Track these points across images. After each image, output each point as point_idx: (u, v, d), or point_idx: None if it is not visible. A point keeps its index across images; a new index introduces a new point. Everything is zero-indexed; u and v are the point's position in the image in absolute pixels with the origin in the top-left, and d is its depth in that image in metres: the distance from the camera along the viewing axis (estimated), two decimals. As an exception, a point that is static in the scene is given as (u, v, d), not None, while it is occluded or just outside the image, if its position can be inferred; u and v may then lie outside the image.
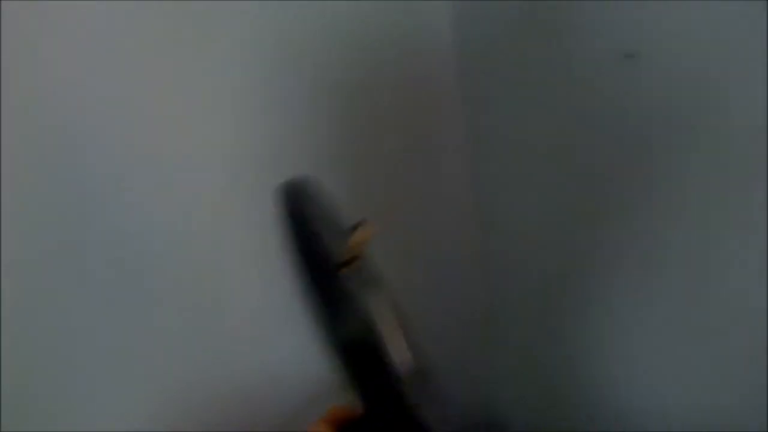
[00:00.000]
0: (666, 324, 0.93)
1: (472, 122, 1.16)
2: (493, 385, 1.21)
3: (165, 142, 0.99)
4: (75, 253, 0.95)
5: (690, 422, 0.92)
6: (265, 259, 1.05)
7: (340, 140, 1.07)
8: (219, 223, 1.01)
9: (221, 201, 1.02)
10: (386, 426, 0.65)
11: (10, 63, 0.86)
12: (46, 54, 0.90)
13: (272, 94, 1.03)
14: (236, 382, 1.06)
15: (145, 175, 0.98)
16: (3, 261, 0.89)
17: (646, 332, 0.97)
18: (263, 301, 1.07)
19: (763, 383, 0.81)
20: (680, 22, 0.83)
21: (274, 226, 0.69)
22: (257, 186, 0.98)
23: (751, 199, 0.80)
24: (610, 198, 0.97)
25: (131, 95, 0.95)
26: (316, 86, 1.04)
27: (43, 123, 0.90)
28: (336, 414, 0.69)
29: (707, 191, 0.85)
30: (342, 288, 0.66)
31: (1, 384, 0.89)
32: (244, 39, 1.00)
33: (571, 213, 1.03)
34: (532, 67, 1.03)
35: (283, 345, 1.08)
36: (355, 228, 0.69)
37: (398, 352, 0.66)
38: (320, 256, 0.67)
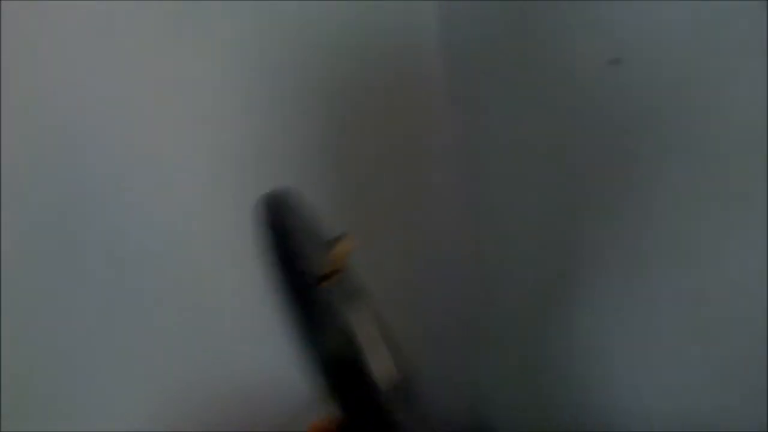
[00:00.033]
0: (660, 326, 0.93)
1: (461, 123, 1.15)
2: (482, 387, 1.20)
3: (165, 143, 0.99)
4: (75, 253, 0.95)
5: (687, 424, 0.91)
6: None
7: (329, 142, 1.07)
8: (219, 223, 1.01)
9: (222, 201, 1.01)
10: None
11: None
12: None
13: (259, 94, 1.02)
14: (236, 382, 1.06)
15: (145, 175, 0.98)
16: (3, 261, 0.89)
17: (639, 334, 0.96)
18: (264, 301, 1.06)
19: (763, 384, 0.81)
20: (665, 27, 0.83)
21: (255, 238, 0.68)
22: (256, 186, 1.00)
23: (746, 200, 0.80)
24: (599, 200, 0.96)
25: (129, 96, 0.95)
26: (305, 87, 1.04)
27: (42, 123, 0.90)
28: (317, 429, 0.69)
29: (697, 193, 0.85)
30: (322, 301, 0.66)
31: (1, 384, 0.90)
32: (230, 40, 0.99)
33: (559, 214, 1.02)
34: (520, 69, 1.02)
35: (284, 345, 1.07)
36: (336, 240, 0.69)
37: (379, 365, 0.66)
38: (300, 269, 0.66)
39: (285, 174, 1.02)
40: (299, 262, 0.66)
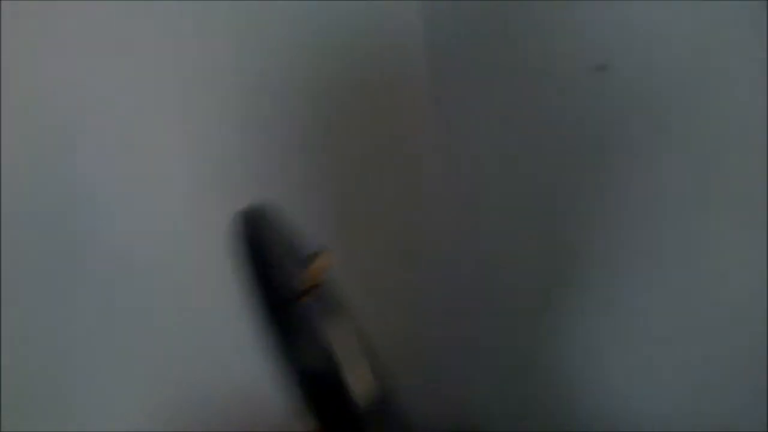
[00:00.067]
0: (651, 326, 0.92)
1: (445, 124, 1.14)
2: (471, 389, 1.20)
3: (166, 142, 0.99)
4: (75, 253, 0.96)
5: (680, 425, 0.91)
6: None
7: (313, 142, 1.06)
8: (219, 222, 1.00)
9: (222, 200, 1.01)
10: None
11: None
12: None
13: (243, 94, 1.02)
14: (236, 383, 1.06)
15: (144, 175, 0.98)
16: (3, 262, 0.89)
17: (630, 334, 0.96)
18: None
19: (763, 384, 0.81)
20: (654, 33, 0.82)
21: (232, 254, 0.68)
22: (244, 185, 1.01)
23: (741, 201, 0.80)
24: (586, 201, 0.96)
25: (115, 100, 0.94)
26: (289, 88, 1.03)
27: (42, 123, 0.90)
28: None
29: (689, 193, 0.85)
30: (300, 317, 0.65)
31: (1, 384, 0.90)
32: (213, 41, 0.99)
33: (546, 215, 1.01)
34: (504, 71, 1.02)
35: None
36: (314, 255, 0.68)
37: (358, 381, 0.65)
38: (278, 285, 0.66)
39: (269, 174, 1.03)
40: (277, 278, 0.66)
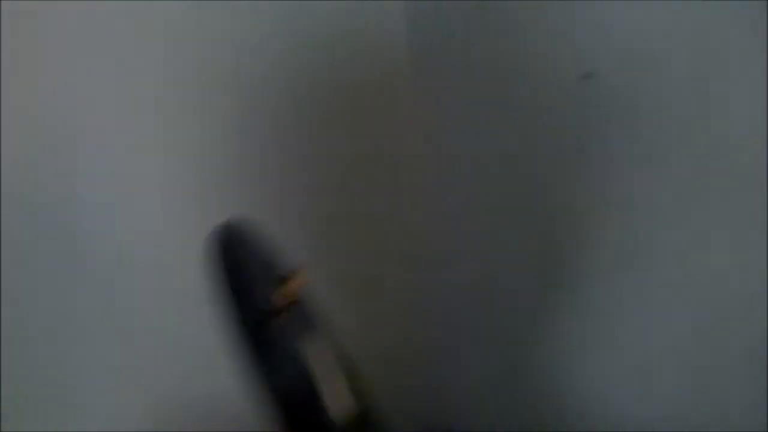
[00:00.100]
0: (645, 326, 0.91)
1: (429, 128, 1.13)
2: (459, 394, 1.20)
3: (168, 140, 0.99)
4: (75, 252, 0.96)
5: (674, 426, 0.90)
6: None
7: (295, 142, 1.05)
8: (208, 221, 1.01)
9: (221, 200, 1.01)
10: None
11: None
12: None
13: (226, 92, 1.00)
14: (235, 383, 1.06)
15: (143, 174, 0.98)
16: (3, 262, 0.90)
17: (623, 336, 0.94)
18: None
19: (762, 386, 0.80)
20: (639, 41, 0.81)
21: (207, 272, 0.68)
22: (226, 183, 1.01)
23: (733, 209, 0.79)
24: (573, 203, 0.94)
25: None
26: (272, 87, 1.02)
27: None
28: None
29: (675, 202, 0.84)
30: (277, 335, 0.65)
31: (1, 384, 0.91)
32: (193, 41, 0.98)
33: (535, 217, 1.00)
34: (488, 75, 1.00)
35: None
36: (291, 273, 0.68)
37: (335, 400, 0.65)
38: (255, 303, 0.65)
39: (251, 174, 1.02)
40: (253, 296, 0.66)
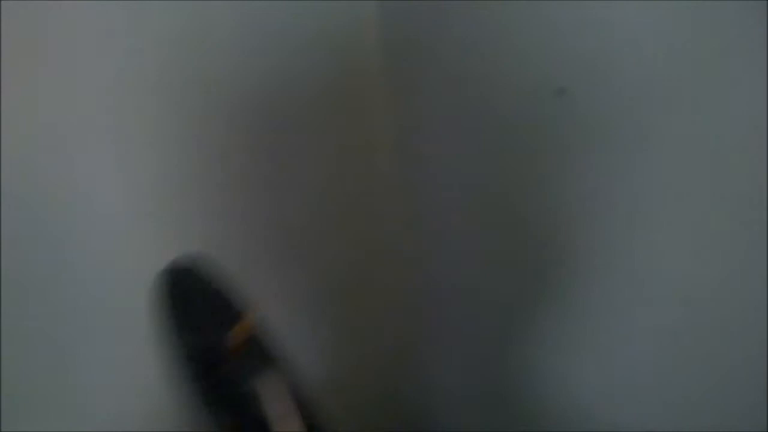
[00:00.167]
0: (627, 333, 0.92)
1: (403, 134, 1.12)
2: (438, 396, 1.20)
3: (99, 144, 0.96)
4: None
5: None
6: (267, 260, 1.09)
7: (268, 140, 1.03)
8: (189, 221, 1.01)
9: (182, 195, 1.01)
10: None
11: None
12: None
13: (195, 90, 0.97)
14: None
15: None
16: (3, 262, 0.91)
17: (609, 338, 0.95)
18: (276, 299, 1.06)
19: (762, 388, 0.80)
20: (612, 56, 0.81)
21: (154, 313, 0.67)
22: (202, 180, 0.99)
23: (708, 221, 0.81)
24: (550, 213, 0.95)
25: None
26: (244, 84, 0.99)
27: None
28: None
29: (654, 211, 0.85)
30: (230, 376, 0.64)
31: (1, 384, 0.92)
32: (163, 38, 0.95)
33: (513, 220, 1.00)
34: (461, 80, 0.99)
35: (300, 344, 1.08)
36: (243, 311, 0.67)
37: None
38: (205, 344, 0.64)
39: (222, 170, 1.00)
40: (203, 338, 0.65)
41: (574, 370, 0.99)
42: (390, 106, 1.10)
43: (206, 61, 0.96)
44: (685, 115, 0.78)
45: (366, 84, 1.09)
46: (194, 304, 0.66)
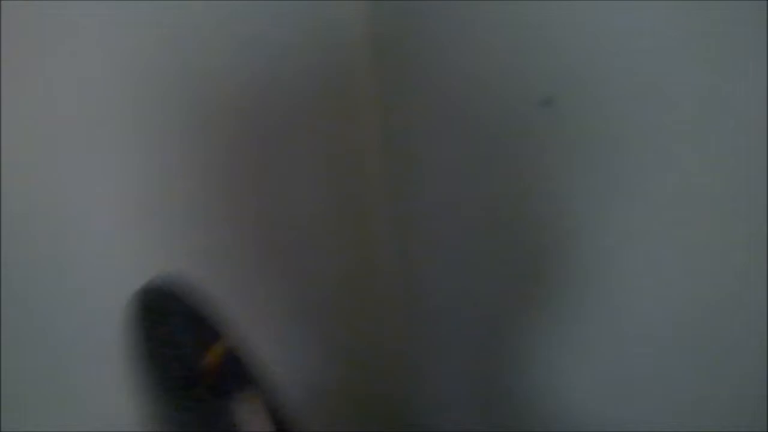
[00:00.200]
0: (618, 340, 0.92)
1: (388, 128, 1.10)
2: (431, 401, 1.19)
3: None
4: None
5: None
6: (266, 261, 1.09)
7: (255, 143, 1.02)
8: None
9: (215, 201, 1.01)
10: None
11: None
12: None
13: (180, 92, 0.96)
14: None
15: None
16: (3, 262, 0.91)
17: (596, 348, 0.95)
18: (266, 304, 1.07)
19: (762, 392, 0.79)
20: (597, 68, 0.80)
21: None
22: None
23: (700, 228, 0.80)
24: (538, 221, 0.94)
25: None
26: (231, 86, 0.98)
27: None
28: None
29: (640, 217, 0.84)
30: (206, 397, 0.64)
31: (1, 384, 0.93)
32: (143, 36, 0.94)
33: (506, 228, 0.99)
34: (449, 86, 0.98)
35: (282, 350, 1.08)
36: (221, 330, 0.67)
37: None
38: (181, 365, 0.64)
39: (210, 172, 1.00)
40: (178, 359, 0.64)
41: (566, 372, 0.98)
42: (378, 107, 1.09)
43: (191, 63, 0.95)
44: (675, 121, 0.78)
45: (354, 86, 1.08)
46: (169, 325, 0.65)
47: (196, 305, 0.68)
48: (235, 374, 0.67)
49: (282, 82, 1.01)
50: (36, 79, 0.88)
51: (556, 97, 0.83)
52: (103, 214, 0.95)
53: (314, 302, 1.11)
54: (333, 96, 1.06)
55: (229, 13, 0.96)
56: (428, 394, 1.18)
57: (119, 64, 0.91)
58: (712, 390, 0.84)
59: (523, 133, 0.89)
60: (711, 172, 0.77)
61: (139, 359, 0.65)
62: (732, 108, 0.74)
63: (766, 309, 0.77)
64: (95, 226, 0.95)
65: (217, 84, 0.97)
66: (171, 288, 0.68)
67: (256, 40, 0.98)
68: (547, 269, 0.95)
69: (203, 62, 0.96)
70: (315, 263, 1.09)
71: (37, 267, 0.93)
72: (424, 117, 1.04)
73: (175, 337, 0.65)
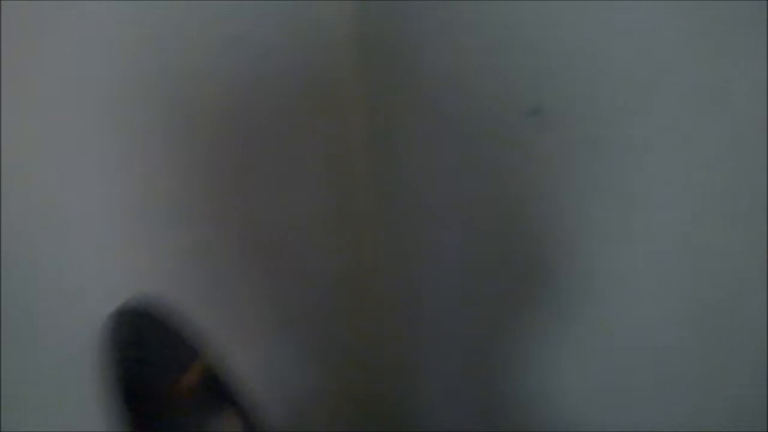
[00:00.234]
0: (612, 343, 0.92)
1: (375, 128, 1.10)
2: (420, 409, 1.20)
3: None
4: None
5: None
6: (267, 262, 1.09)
7: (236, 142, 1.01)
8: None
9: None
10: None
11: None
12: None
13: (171, 90, 0.96)
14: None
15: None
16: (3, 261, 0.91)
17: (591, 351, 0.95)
18: (268, 304, 1.07)
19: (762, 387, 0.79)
20: (587, 77, 0.81)
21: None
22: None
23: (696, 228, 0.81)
24: (533, 225, 0.94)
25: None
26: (217, 87, 0.97)
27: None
28: None
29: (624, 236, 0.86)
30: (184, 417, 0.64)
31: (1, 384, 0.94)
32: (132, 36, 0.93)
33: (499, 229, 0.99)
34: (435, 91, 0.98)
35: (285, 350, 1.10)
36: (198, 349, 0.66)
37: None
38: (158, 386, 0.64)
39: (193, 173, 0.99)
40: (155, 380, 0.64)
41: (562, 372, 0.98)
42: (364, 107, 1.08)
43: (175, 63, 0.94)
44: (675, 121, 0.78)
45: (339, 86, 1.07)
46: (146, 347, 0.65)
47: (173, 325, 0.68)
48: (214, 392, 0.67)
49: (267, 82, 1.00)
50: (36, 79, 0.87)
51: (544, 104, 0.84)
52: (92, 214, 0.94)
53: (306, 302, 1.11)
54: (318, 96, 1.05)
55: (213, 12, 0.94)
56: (426, 394, 1.18)
57: (102, 64, 0.90)
58: (711, 393, 0.84)
59: (510, 132, 0.89)
60: (711, 172, 0.77)
61: (114, 381, 0.65)
62: (732, 108, 0.74)
63: (766, 309, 0.76)
64: (85, 225, 0.94)
65: (201, 84, 0.96)
66: (146, 308, 0.67)
67: (241, 39, 0.97)
68: (546, 269, 0.95)
69: (187, 62, 0.95)
70: (302, 263, 1.09)
71: (37, 267, 0.94)
72: (411, 117, 1.03)
73: (151, 357, 0.65)
